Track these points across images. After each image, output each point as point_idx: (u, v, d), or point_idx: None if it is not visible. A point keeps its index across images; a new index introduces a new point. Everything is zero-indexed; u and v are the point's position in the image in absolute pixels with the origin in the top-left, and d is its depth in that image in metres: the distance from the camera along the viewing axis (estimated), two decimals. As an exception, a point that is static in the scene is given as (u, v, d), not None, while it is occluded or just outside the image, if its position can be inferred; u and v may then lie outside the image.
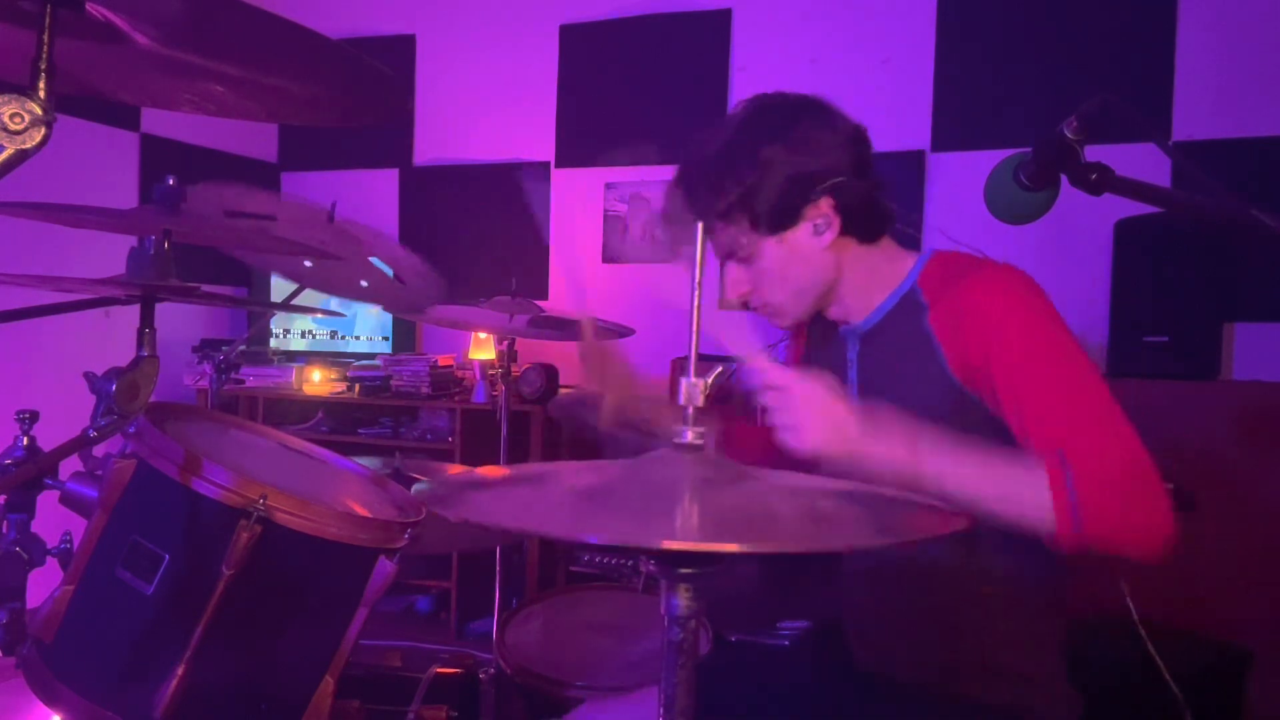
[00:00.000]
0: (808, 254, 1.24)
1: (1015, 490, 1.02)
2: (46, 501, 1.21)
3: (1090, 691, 1.27)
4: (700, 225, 0.85)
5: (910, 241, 1.33)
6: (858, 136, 1.24)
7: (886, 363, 1.28)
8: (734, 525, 0.75)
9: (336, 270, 1.71)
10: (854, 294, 1.29)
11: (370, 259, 1.79)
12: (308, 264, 1.70)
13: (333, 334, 3.94)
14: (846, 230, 1.24)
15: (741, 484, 0.81)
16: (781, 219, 1.22)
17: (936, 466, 1.02)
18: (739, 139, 1.23)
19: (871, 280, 1.28)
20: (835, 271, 1.27)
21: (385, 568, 1.18)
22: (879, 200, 1.25)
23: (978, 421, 1.17)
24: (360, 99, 1.06)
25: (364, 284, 1.77)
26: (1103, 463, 1.03)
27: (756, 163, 1.19)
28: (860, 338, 1.32)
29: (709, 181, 1.23)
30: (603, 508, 0.79)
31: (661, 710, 0.79)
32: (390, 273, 1.83)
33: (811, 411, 1.02)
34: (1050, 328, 1.13)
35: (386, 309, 3.37)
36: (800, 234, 1.23)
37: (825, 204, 1.21)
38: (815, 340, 1.45)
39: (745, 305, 1.32)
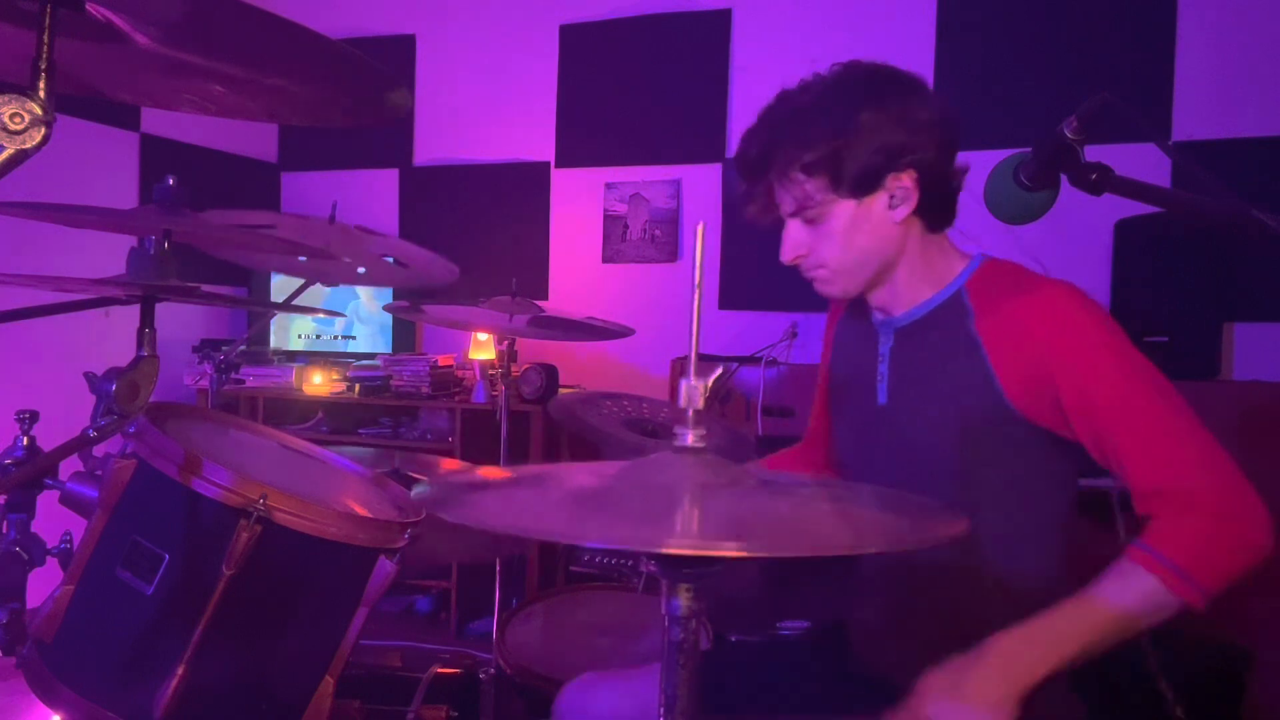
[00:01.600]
0: (878, 224, 1.23)
1: (1128, 604, 1.07)
2: (46, 501, 1.21)
3: (1090, 693, 1.27)
4: (701, 225, 0.85)
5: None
6: (950, 122, 1.23)
7: (925, 361, 1.27)
8: (735, 528, 0.75)
9: (334, 261, 1.71)
10: (905, 281, 1.29)
11: (370, 251, 1.79)
12: (302, 258, 1.70)
13: (334, 336, 3.93)
14: (920, 210, 1.24)
15: (742, 486, 0.81)
16: (863, 183, 1.21)
17: (1061, 654, 1.07)
18: (837, 97, 1.22)
19: (925, 272, 1.28)
20: (898, 250, 1.26)
21: (385, 568, 1.18)
22: (956, 189, 1.25)
23: (1015, 436, 1.20)
24: (360, 99, 1.06)
25: (361, 270, 1.77)
26: (1190, 506, 1.09)
27: (852, 122, 1.18)
28: (895, 332, 1.31)
29: (800, 132, 1.21)
30: (603, 511, 0.79)
31: (662, 710, 0.79)
32: (391, 260, 1.83)
33: (953, 714, 1.05)
34: (1116, 354, 1.16)
35: (393, 294, 3.37)
36: (877, 202, 1.22)
37: (908, 177, 1.21)
38: (844, 331, 1.46)
39: (797, 267, 1.30)
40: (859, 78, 1.24)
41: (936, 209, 1.25)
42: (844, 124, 1.19)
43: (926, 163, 1.20)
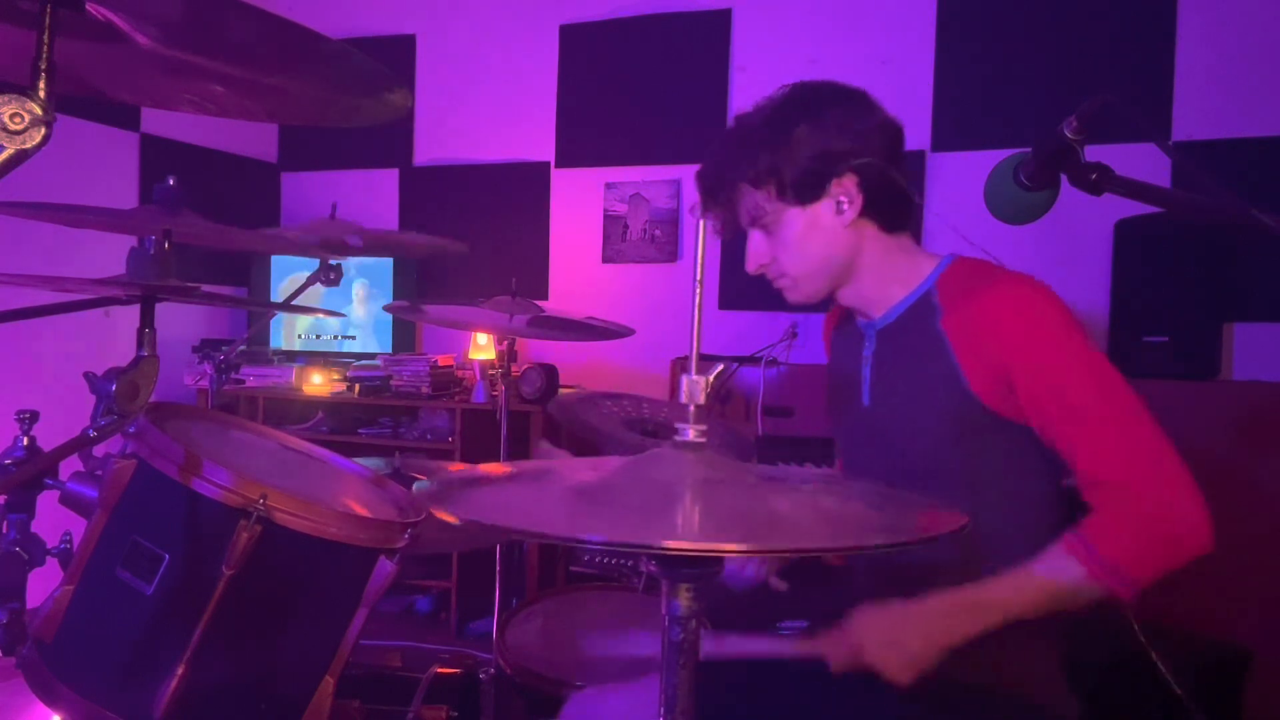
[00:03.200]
0: (828, 229, 1.30)
1: (1058, 588, 1.14)
2: (46, 501, 1.22)
3: (1088, 693, 1.27)
4: (702, 225, 0.85)
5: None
6: (891, 130, 1.30)
7: (899, 363, 1.31)
8: (735, 525, 0.75)
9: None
10: (873, 284, 1.34)
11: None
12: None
13: (334, 336, 3.94)
14: (868, 212, 1.29)
15: (742, 483, 0.81)
16: (806, 190, 1.28)
17: (987, 623, 1.14)
18: (777, 113, 1.30)
19: (891, 273, 1.32)
20: (853, 252, 1.31)
21: (385, 568, 1.18)
22: (903, 190, 1.29)
23: (987, 431, 1.23)
24: (360, 99, 1.06)
25: (356, 241, 1.77)
26: (1127, 500, 1.14)
27: (789, 134, 1.27)
28: (877, 334, 1.35)
29: (744, 147, 1.30)
30: (603, 507, 0.79)
31: (662, 710, 0.79)
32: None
33: (875, 650, 1.15)
34: (1068, 346, 1.18)
35: (393, 294, 3.38)
36: (823, 208, 1.29)
37: (849, 181, 1.27)
38: (838, 336, 1.49)
39: (764, 276, 1.37)
40: (798, 95, 1.32)
41: (885, 210, 1.30)
42: (782, 136, 1.27)
43: (867, 166, 1.26)
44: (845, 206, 1.28)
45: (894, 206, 1.30)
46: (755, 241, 1.35)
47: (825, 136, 1.26)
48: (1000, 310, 1.20)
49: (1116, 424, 1.16)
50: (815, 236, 1.30)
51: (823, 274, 1.33)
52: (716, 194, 1.35)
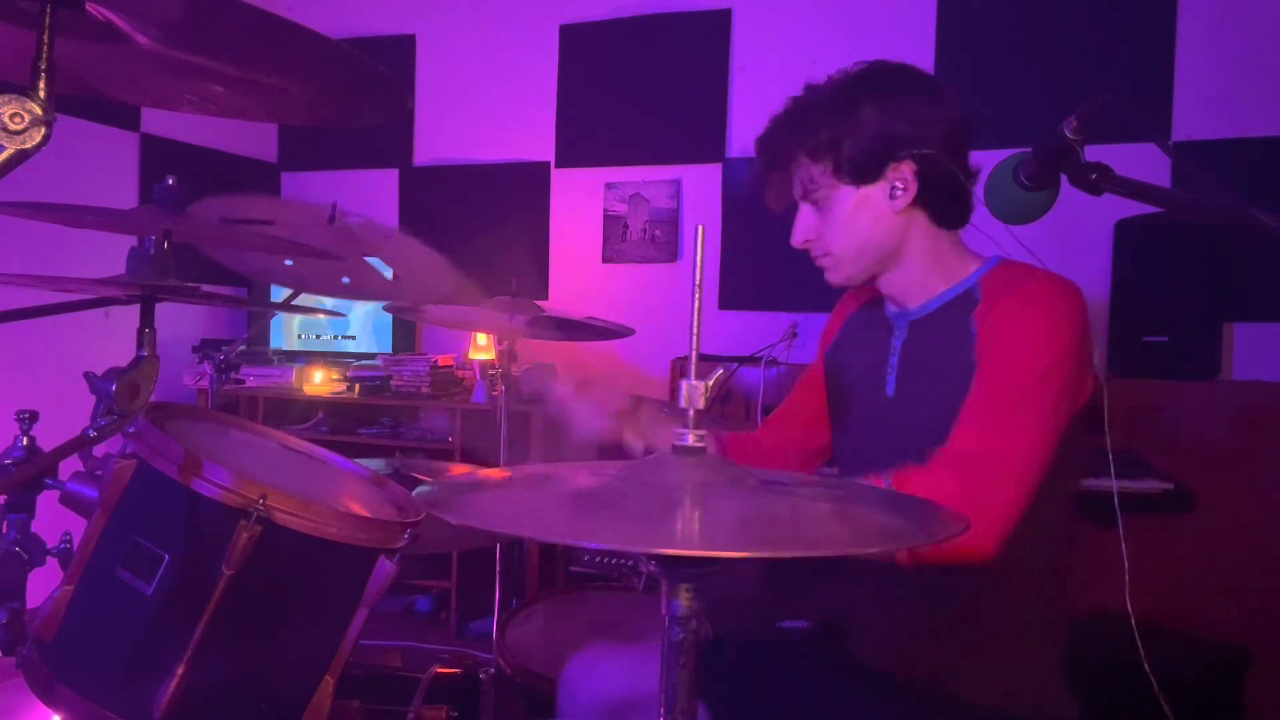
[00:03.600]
0: (878, 213, 1.29)
1: None
2: (46, 501, 1.21)
3: (1088, 692, 1.27)
4: (701, 228, 0.85)
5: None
6: (959, 121, 1.28)
7: (929, 353, 1.30)
8: (736, 529, 0.75)
9: (317, 267, 1.70)
10: (914, 274, 1.33)
11: (366, 259, 1.78)
12: (288, 263, 1.70)
13: (334, 336, 3.93)
14: (921, 202, 1.28)
15: (742, 486, 0.81)
16: (863, 170, 1.27)
17: None
18: (846, 89, 1.29)
19: (934, 267, 1.32)
20: (900, 240, 1.31)
21: (385, 568, 1.18)
22: (961, 186, 1.27)
23: None
24: (360, 99, 1.06)
25: (345, 280, 1.76)
26: (945, 482, 1.11)
27: (855, 112, 1.26)
28: (910, 324, 1.34)
29: (808, 119, 1.30)
30: (604, 511, 0.79)
31: (662, 710, 0.79)
32: (389, 273, 1.82)
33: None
34: (1035, 352, 1.17)
35: (385, 307, 3.38)
36: (877, 190, 1.28)
37: (907, 168, 1.26)
38: (855, 324, 1.48)
39: (807, 251, 1.37)
40: (870, 73, 1.30)
41: (939, 203, 1.29)
42: (847, 113, 1.26)
43: (926, 156, 1.24)
44: (899, 192, 1.27)
45: (948, 200, 1.29)
46: (804, 215, 1.34)
47: (890, 119, 1.25)
48: (1025, 299, 1.20)
49: (1003, 434, 1.15)
50: (865, 218, 1.29)
51: (866, 257, 1.32)
52: (774, 161, 1.34)
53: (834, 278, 1.36)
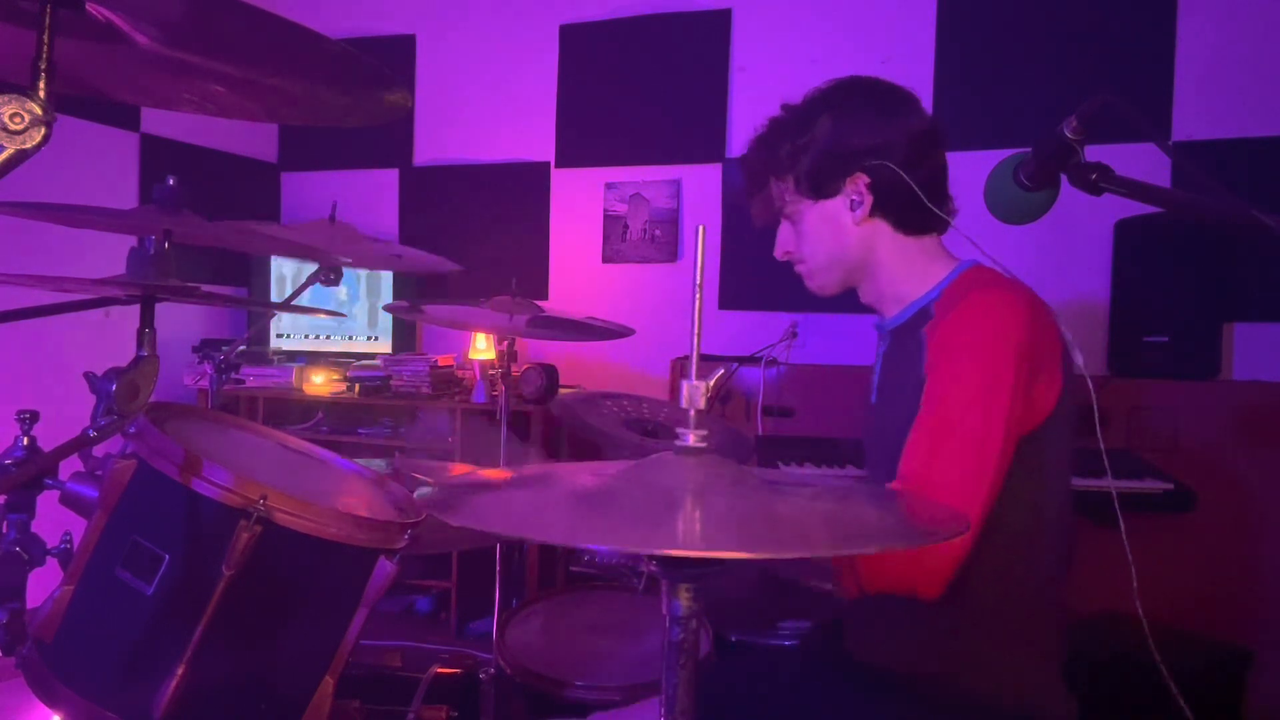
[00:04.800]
0: (840, 226, 1.32)
1: None
2: (46, 501, 1.21)
3: (1088, 691, 1.27)
4: (701, 228, 0.85)
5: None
6: (918, 131, 1.28)
7: (900, 362, 1.31)
8: (736, 529, 0.75)
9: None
10: (886, 282, 1.34)
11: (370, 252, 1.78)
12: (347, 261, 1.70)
13: (330, 335, 3.93)
14: (880, 213, 1.30)
15: (743, 487, 0.81)
16: (820, 185, 1.30)
17: None
18: (806, 106, 1.33)
19: (907, 274, 1.32)
20: (866, 250, 1.32)
21: (385, 568, 1.18)
22: (917, 194, 1.27)
23: None
24: (360, 99, 1.06)
25: (347, 260, 1.77)
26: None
27: (811, 128, 1.29)
28: (890, 333, 1.36)
29: (773, 137, 1.34)
30: (605, 512, 0.79)
31: (663, 711, 0.79)
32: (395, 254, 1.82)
33: None
34: (975, 367, 1.15)
35: (393, 294, 3.39)
36: (836, 204, 1.31)
37: (860, 181, 1.28)
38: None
39: (789, 262, 1.40)
40: (833, 89, 1.33)
41: (899, 213, 1.30)
42: (804, 129, 1.30)
43: (879, 168, 1.26)
44: (857, 205, 1.29)
45: (907, 210, 1.29)
46: (783, 229, 1.39)
47: (843, 133, 1.27)
48: (958, 319, 1.19)
49: (939, 457, 1.14)
50: (828, 231, 1.32)
51: (836, 268, 1.35)
52: (751, 178, 1.39)
53: (812, 286, 1.39)
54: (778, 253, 1.40)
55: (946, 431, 1.14)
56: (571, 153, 3.84)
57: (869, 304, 1.39)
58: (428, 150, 4.10)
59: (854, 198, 1.29)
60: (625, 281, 3.74)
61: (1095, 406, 1.19)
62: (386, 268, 1.87)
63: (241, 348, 2.20)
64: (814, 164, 1.29)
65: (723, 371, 0.96)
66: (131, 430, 1.13)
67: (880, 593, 1.15)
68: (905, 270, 1.32)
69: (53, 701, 1.09)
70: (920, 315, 1.29)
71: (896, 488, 1.15)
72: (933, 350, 1.20)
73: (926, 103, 3.38)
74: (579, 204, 3.81)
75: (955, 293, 1.26)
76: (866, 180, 1.28)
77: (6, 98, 0.70)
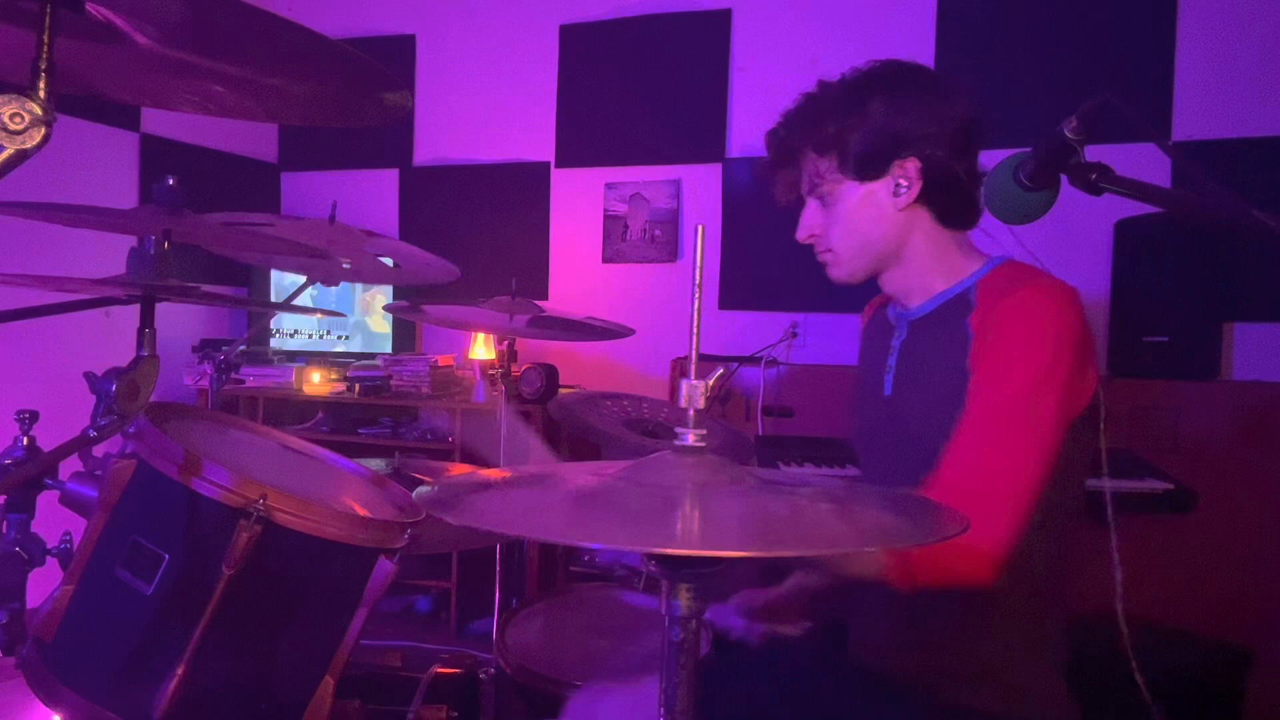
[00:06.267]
0: (882, 209, 1.29)
1: (853, 570, 1.20)
2: (46, 501, 1.22)
3: (1090, 691, 1.26)
4: (701, 228, 0.85)
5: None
6: (968, 122, 1.27)
7: (927, 354, 1.29)
8: (736, 529, 0.75)
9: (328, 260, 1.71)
10: (916, 272, 1.32)
11: (368, 251, 1.79)
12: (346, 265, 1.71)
13: (331, 335, 3.93)
14: (925, 201, 1.28)
15: (742, 487, 0.81)
16: (868, 166, 1.27)
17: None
18: (855, 85, 1.29)
19: (937, 265, 1.31)
20: (902, 238, 1.30)
21: (385, 568, 1.18)
22: (965, 187, 1.26)
23: None
24: (360, 99, 1.06)
25: (346, 264, 1.77)
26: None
27: (862, 107, 1.26)
28: (909, 324, 1.34)
29: (816, 113, 1.30)
30: (604, 512, 0.79)
31: (662, 711, 0.79)
32: (390, 263, 1.82)
33: None
34: (1023, 365, 1.16)
35: (393, 294, 3.39)
36: (881, 187, 1.28)
37: (911, 165, 1.26)
38: (871, 327, 1.49)
39: (812, 245, 1.37)
40: (881, 71, 1.30)
41: (943, 203, 1.28)
42: (855, 108, 1.26)
43: (931, 154, 1.24)
44: (903, 190, 1.27)
45: (952, 200, 1.28)
46: (810, 210, 1.34)
47: (897, 116, 1.25)
48: (1013, 310, 1.18)
49: (994, 448, 1.15)
50: (867, 214, 1.29)
51: (868, 254, 1.32)
52: (783, 154, 1.35)
53: (835, 274, 1.36)
54: (801, 234, 1.35)
55: (1004, 426, 1.15)
56: (571, 153, 3.84)
57: (891, 293, 1.37)
58: (428, 150, 4.10)
59: (901, 182, 1.26)
60: (625, 281, 3.74)
61: (1102, 407, 1.19)
62: (386, 281, 1.87)
63: (241, 348, 2.20)
64: (864, 143, 1.26)
65: (722, 371, 0.96)
66: (131, 430, 1.13)
67: (933, 586, 1.14)
68: (936, 262, 1.31)
69: (53, 701, 1.09)
70: (954, 306, 1.27)
71: (941, 483, 1.14)
72: (982, 340, 1.20)
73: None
74: (579, 204, 3.81)
75: (997, 284, 1.25)
76: (918, 165, 1.25)
77: (6, 98, 0.70)
